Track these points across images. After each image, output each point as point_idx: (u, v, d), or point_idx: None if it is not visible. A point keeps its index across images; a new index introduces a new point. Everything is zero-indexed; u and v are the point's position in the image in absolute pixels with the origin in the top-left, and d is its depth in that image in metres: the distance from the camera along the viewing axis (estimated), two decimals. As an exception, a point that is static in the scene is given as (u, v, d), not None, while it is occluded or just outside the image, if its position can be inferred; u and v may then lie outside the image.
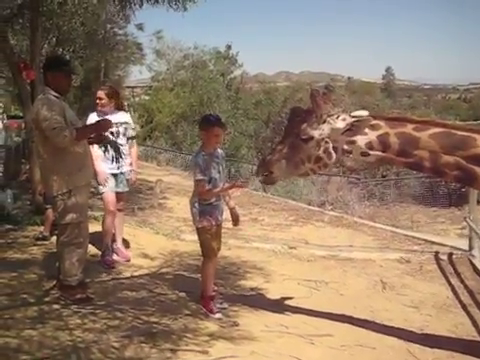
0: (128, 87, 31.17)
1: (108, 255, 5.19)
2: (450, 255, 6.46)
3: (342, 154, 3.53)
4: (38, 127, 3.88)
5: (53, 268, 4.35)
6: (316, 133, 3.46)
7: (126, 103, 29.62)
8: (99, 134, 4.23)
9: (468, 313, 4.57)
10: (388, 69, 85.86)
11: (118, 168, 5.14)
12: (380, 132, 3.37)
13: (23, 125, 9.60)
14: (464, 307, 4.72)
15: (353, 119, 3.40)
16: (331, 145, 3.47)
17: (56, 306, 3.89)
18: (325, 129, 3.45)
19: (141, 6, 7.15)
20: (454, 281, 5.52)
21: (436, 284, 5.47)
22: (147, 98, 29.18)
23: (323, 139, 3.46)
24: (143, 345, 3.37)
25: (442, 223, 11.61)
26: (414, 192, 14.50)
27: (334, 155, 3.50)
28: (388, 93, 55.15)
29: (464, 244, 6.77)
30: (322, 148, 3.47)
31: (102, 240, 5.25)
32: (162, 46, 29.87)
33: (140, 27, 22.00)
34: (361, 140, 3.40)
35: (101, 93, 5.24)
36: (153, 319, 3.86)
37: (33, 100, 5.50)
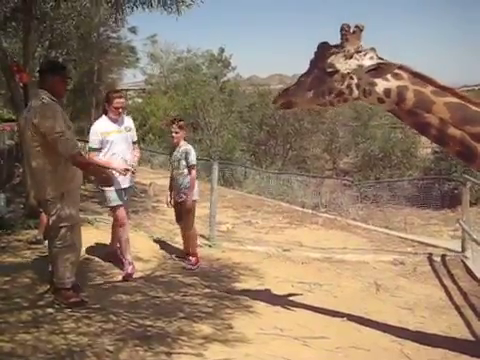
0: (122, 90, 31.19)
1: (130, 267, 4.98)
2: (443, 257, 6.50)
3: (362, 94, 3.45)
4: (40, 133, 3.80)
5: (47, 272, 4.33)
6: (342, 67, 3.40)
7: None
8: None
9: (461, 314, 4.60)
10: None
11: (130, 181, 5.11)
12: (400, 83, 3.32)
13: (16, 128, 9.55)
14: (457, 308, 4.76)
15: (380, 60, 3.32)
16: (355, 81, 3.42)
17: (50, 310, 3.88)
18: (351, 64, 3.39)
19: (132, 11, 7.11)
20: (447, 282, 5.56)
21: (430, 285, 5.51)
22: (140, 101, 29.13)
23: (348, 74, 3.41)
24: (138, 348, 3.36)
25: (435, 225, 11.69)
26: (407, 194, 14.52)
27: (356, 92, 3.45)
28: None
29: (457, 246, 6.83)
30: (346, 83, 3.43)
31: (122, 252, 5.08)
32: (155, 49, 30.01)
33: (133, 30, 22.12)
34: (381, 85, 3.35)
35: (123, 101, 5.07)
36: (148, 322, 3.85)
37: (26, 103, 5.47)
